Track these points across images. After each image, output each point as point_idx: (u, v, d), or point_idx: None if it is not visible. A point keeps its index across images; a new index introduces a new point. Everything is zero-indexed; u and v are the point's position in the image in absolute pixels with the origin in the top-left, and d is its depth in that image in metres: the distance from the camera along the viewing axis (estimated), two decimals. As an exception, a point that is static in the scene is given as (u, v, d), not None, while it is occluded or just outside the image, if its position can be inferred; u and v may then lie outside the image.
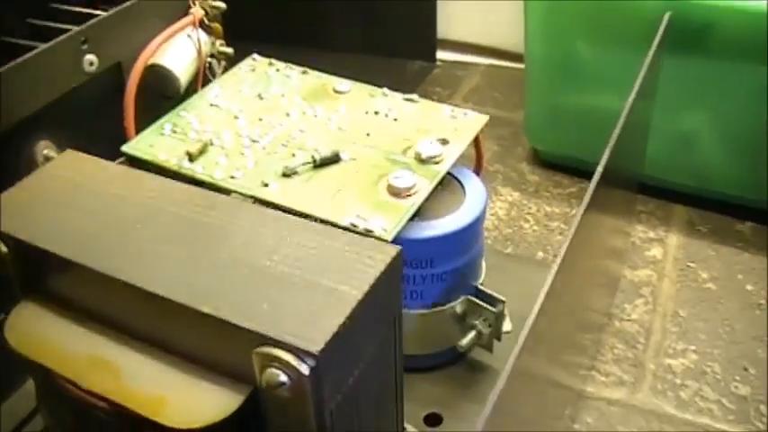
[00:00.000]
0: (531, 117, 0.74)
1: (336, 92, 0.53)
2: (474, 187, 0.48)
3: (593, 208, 0.41)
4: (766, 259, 0.64)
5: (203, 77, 0.55)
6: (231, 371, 0.31)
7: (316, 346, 0.29)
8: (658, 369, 0.55)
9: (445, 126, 0.49)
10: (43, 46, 0.45)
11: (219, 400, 0.31)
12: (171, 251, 0.33)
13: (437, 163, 0.46)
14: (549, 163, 0.75)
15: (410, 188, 0.44)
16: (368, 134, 0.49)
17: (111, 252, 0.34)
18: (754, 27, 0.58)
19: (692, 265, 0.63)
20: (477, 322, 0.47)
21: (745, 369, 0.55)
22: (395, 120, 0.50)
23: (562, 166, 0.74)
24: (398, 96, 0.53)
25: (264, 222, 0.35)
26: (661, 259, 0.64)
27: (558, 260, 0.36)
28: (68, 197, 0.37)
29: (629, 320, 0.58)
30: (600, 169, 0.41)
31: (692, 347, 0.56)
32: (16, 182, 0.38)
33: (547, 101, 0.71)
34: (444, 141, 0.48)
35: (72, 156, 0.40)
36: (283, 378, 0.29)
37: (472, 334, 0.47)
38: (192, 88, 0.54)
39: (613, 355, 0.56)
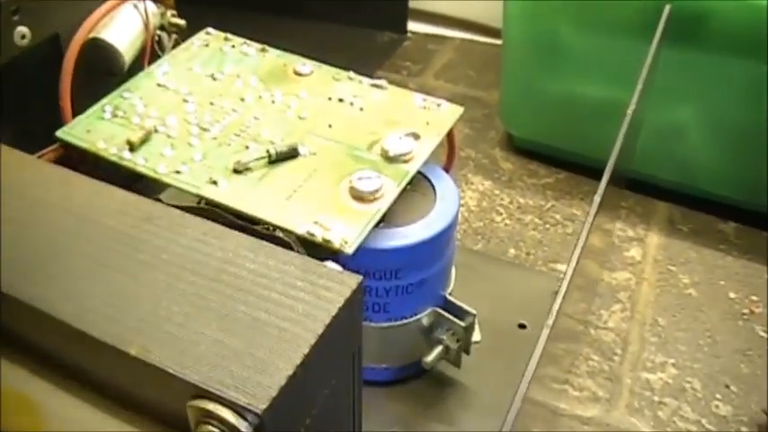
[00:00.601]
0: (506, 100, 0.69)
1: (297, 74, 0.48)
2: (445, 189, 0.43)
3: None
4: (749, 263, 0.60)
5: (151, 53, 0.49)
6: (165, 419, 0.27)
7: (260, 403, 0.24)
8: (635, 384, 0.51)
9: (416, 118, 0.45)
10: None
11: None
12: (101, 276, 0.29)
13: (406, 162, 0.42)
14: (523, 150, 0.70)
15: (375, 191, 0.39)
16: (330, 125, 0.44)
17: (33, 276, 0.29)
18: (752, 21, 0.54)
19: (672, 268, 0.60)
20: (444, 336, 0.43)
21: (727, 386, 0.51)
22: (360, 109, 0.46)
23: (538, 153, 0.70)
24: (365, 81, 0.48)
25: (208, 241, 0.30)
26: (640, 261, 0.60)
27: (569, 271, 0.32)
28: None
29: (605, 329, 0.55)
30: (609, 168, 0.38)
31: (672, 360, 0.53)
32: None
33: (525, 83, 0.66)
34: (415, 136, 0.43)
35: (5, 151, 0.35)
36: None
37: (438, 349, 0.43)
38: (139, 65, 0.48)
39: (588, 367, 0.52)
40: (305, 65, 0.49)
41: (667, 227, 0.63)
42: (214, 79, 0.47)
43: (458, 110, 0.46)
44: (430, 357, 0.43)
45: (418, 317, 0.43)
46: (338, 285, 0.28)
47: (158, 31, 0.50)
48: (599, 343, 0.54)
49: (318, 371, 0.27)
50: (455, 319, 0.43)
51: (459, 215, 0.63)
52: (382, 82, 0.48)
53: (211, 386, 0.25)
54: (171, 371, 0.25)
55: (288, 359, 0.26)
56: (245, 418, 0.24)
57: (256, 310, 0.27)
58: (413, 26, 0.88)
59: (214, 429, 0.25)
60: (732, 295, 0.58)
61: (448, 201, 0.42)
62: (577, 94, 0.63)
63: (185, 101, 0.45)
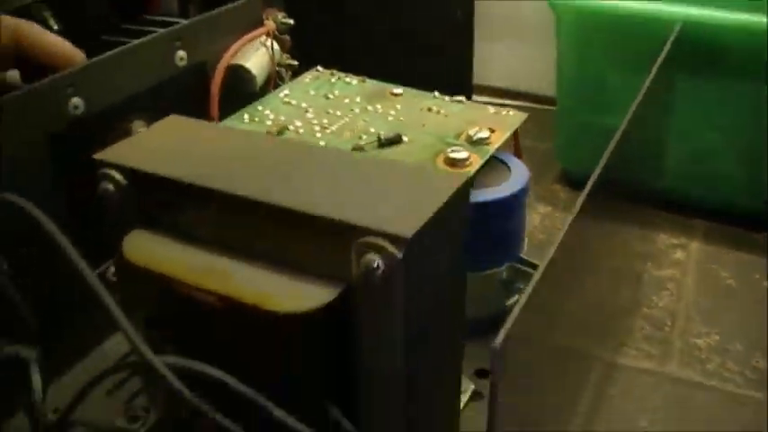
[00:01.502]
0: (561, 138, 0.80)
1: (393, 94, 0.60)
2: (517, 166, 0.54)
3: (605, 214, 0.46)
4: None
5: (274, 84, 0.61)
6: (328, 272, 0.37)
7: (408, 232, 0.34)
8: (685, 346, 0.60)
9: (490, 120, 0.56)
10: (144, 39, 0.52)
11: (319, 293, 0.36)
12: (273, 171, 0.40)
13: (487, 144, 0.52)
14: (579, 182, 0.80)
15: (465, 160, 0.50)
16: (423, 125, 0.55)
17: (220, 174, 0.40)
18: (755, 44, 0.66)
19: (713, 266, 0.69)
20: (522, 285, 0.53)
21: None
22: (446, 116, 0.57)
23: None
24: (447, 98, 0.59)
25: (350, 156, 0.41)
26: (684, 261, 0.70)
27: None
28: (177, 141, 0.43)
29: (655, 308, 0.64)
30: (597, 172, 0.47)
31: (716, 330, 0.62)
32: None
33: (576, 121, 0.77)
34: (491, 130, 0.54)
35: (175, 118, 0.46)
36: (379, 262, 0.35)
37: (517, 296, 0.53)
38: (264, 92, 0.60)
39: (642, 335, 0.61)
40: (398, 88, 0.60)
41: (706, 237, 0.73)
42: (327, 98, 0.59)
43: (523, 115, 0.57)
44: (511, 300, 0.53)
45: (500, 269, 0.53)
46: (455, 177, 0.39)
47: (278, 67, 0.62)
48: (650, 318, 0.63)
49: (442, 233, 0.37)
50: (532, 270, 0.53)
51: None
52: (462, 98, 0.59)
53: (372, 225, 0.35)
54: (339, 218, 0.36)
55: (425, 210, 0.36)
56: (396, 246, 0.34)
57: (396, 183, 0.38)
58: (476, 98, 1.00)
59: (374, 257, 0.35)
60: (765, 284, 0.67)
61: (520, 172, 0.53)
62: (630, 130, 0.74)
63: (306, 111, 0.57)
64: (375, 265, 0.35)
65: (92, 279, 0.38)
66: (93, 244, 0.45)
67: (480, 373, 0.53)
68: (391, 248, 0.35)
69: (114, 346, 0.47)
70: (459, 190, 0.39)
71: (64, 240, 0.39)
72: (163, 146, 0.44)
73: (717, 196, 0.74)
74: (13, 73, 0.52)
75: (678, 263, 0.70)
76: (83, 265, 0.38)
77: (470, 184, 0.40)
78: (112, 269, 0.53)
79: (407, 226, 0.35)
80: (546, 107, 0.93)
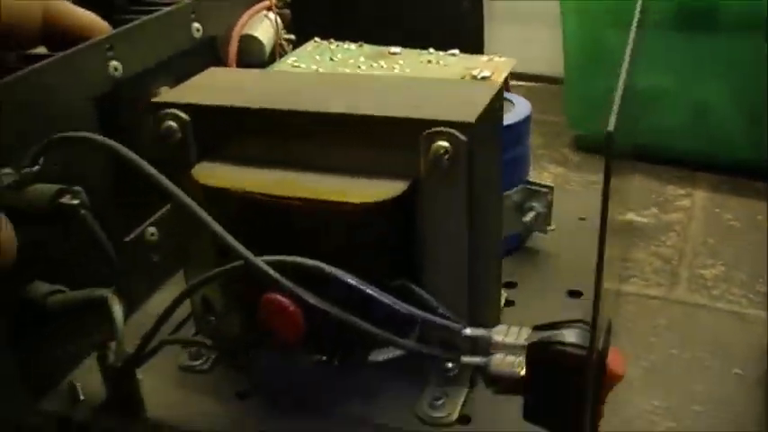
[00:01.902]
0: (570, 105, 0.84)
1: (391, 54, 0.64)
2: (518, 100, 0.58)
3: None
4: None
5: (278, 56, 0.66)
6: (395, 171, 0.42)
7: (470, 119, 0.39)
8: (691, 276, 0.63)
9: (485, 65, 0.60)
10: (164, 10, 0.57)
11: (390, 186, 0.41)
12: (329, 92, 0.45)
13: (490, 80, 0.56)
14: (589, 148, 0.84)
15: (489, 77, 0.55)
16: (428, 74, 0.59)
17: (280, 99, 0.44)
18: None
19: (716, 210, 0.72)
20: (534, 204, 0.57)
21: (768, 275, 0.63)
22: (445, 65, 0.61)
23: (599, 148, 0.84)
24: (442, 53, 0.63)
25: (395, 76, 0.49)
26: (690, 207, 0.73)
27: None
28: (228, 82, 0.48)
29: (663, 246, 0.67)
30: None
31: (721, 262, 0.65)
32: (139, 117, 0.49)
33: (583, 86, 0.81)
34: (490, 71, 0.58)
35: (216, 69, 0.51)
36: (446, 145, 0.39)
37: (532, 213, 0.57)
38: (271, 63, 0.64)
39: (651, 268, 0.64)
40: (395, 48, 0.64)
41: (711, 186, 0.77)
42: (332, 60, 0.63)
43: (512, 60, 0.61)
44: (527, 218, 0.57)
45: (512, 191, 0.57)
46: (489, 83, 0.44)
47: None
48: (659, 255, 0.66)
49: (489, 128, 0.42)
50: (541, 188, 0.56)
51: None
52: (456, 51, 0.63)
53: (437, 116, 0.40)
54: (409, 116, 0.40)
55: (477, 104, 0.41)
56: (461, 131, 0.39)
57: (446, 87, 0.46)
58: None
59: (442, 142, 0.40)
60: (769, 224, 0.70)
61: (523, 104, 0.57)
62: (626, 88, 0.77)
63: (317, 71, 0.61)
64: (443, 150, 0.40)
65: (184, 198, 0.42)
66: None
67: (507, 285, 0.57)
68: (457, 134, 0.39)
69: (156, 307, 0.50)
70: (499, 92, 0.43)
71: (153, 170, 0.43)
72: (216, 86, 0.48)
73: (719, 149, 0.77)
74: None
75: (684, 209, 0.73)
76: (173, 187, 0.43)
77: (503, 89, 0.44)
78: (151, 229, 0.57)
79: (468, 115, 0.40)
80: (556, 86, 0.97)
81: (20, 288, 0.47)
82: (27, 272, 0.47)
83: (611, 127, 0.34)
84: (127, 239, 0.52)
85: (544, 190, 0.57)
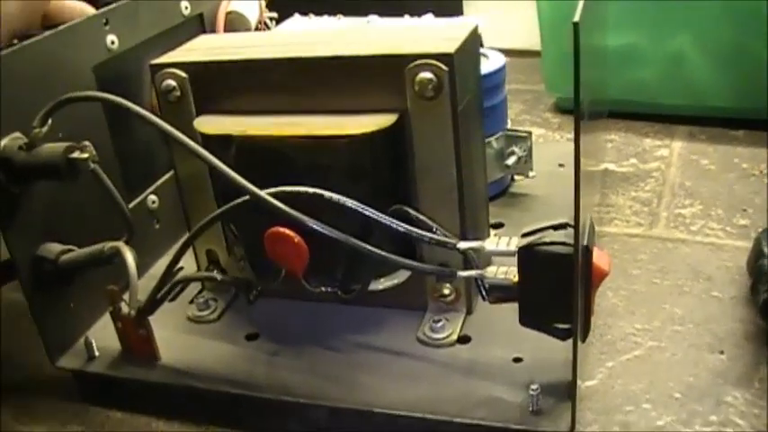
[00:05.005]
0: (548, 69, 0.87)
1: (368, 23, 0.67)
2: (493, 54, 0.61)
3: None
4: (758, 150, 0.75)
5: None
6: (384, 108, 0.46)
7: (450, 49, 0.44)
8: (670, 215, 0.66)
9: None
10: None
11: (381, 119, 0.45)
12: (316, 42, 0.50)
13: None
14: (568, 110, 0.87)
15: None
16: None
17: (271, 51, 0.49)
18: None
19: (693, 157, 0.75)
20: (515, 149, 0.60)
21: (745, 210, 0.66)
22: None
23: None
24: (416, 18, 0.67)
25: (375, 24, 0.51)
26: (667, 156, 0.76)
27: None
28: (220, 43, 0.52)
29: (642, 191, 0.70)
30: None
31: (698, 201, 0.68)
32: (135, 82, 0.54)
33: (558, 49, 0.84)
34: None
35: (206, 36, 0.54)
36: (430, 75, 0.43)
37: (514, 157, 0.60)
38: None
39: (631, 211, 0.67)
40: (371, 16, 0.67)
41: (688, 136, 0.79)
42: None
43: (479, 19, 0.64)
44: (510, 161, 0.60)
45: (494, 137, 0.60)
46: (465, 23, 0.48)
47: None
48: (638, 199, 0.69)
49: (468, 61, 0.46)
50: (522, 133, 0.59)
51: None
52: (429, 15, 0.66)
53: (420, 50, 0.44)
54: (393, 52, 0.45)
55: (457, 38, 0.45)
56: (443, 61, 0.43)
57: (426, 30, 0.50)
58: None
59: (426, 74, 0.44)
60: (745, 165, 0.73)
61: (496, 56, 0.60)
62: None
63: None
64: (427, 80, 0.44)
65: (188, 142, 0.46)
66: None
67: (495, 225, 0.61)
68: (439, 64, 0.44)
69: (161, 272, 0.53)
70: (474, 29, 0.48)
71: (157, 119, 0.47)
72: (209, 47, 0.52)
73: (695, 100, 0.80)
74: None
75: (662, 158, 0.76)
76: (177, 133, 0.46)
77: (478, 29, 0.48)
78: (152, 197, 0.60)
79: (448, 47, 0.44)
80: (537, 59, 1.00)
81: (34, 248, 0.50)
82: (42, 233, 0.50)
83: (576, 18, 0.37)
84: (130, 206, 0.55)
85: (523, 134, 0.60)
